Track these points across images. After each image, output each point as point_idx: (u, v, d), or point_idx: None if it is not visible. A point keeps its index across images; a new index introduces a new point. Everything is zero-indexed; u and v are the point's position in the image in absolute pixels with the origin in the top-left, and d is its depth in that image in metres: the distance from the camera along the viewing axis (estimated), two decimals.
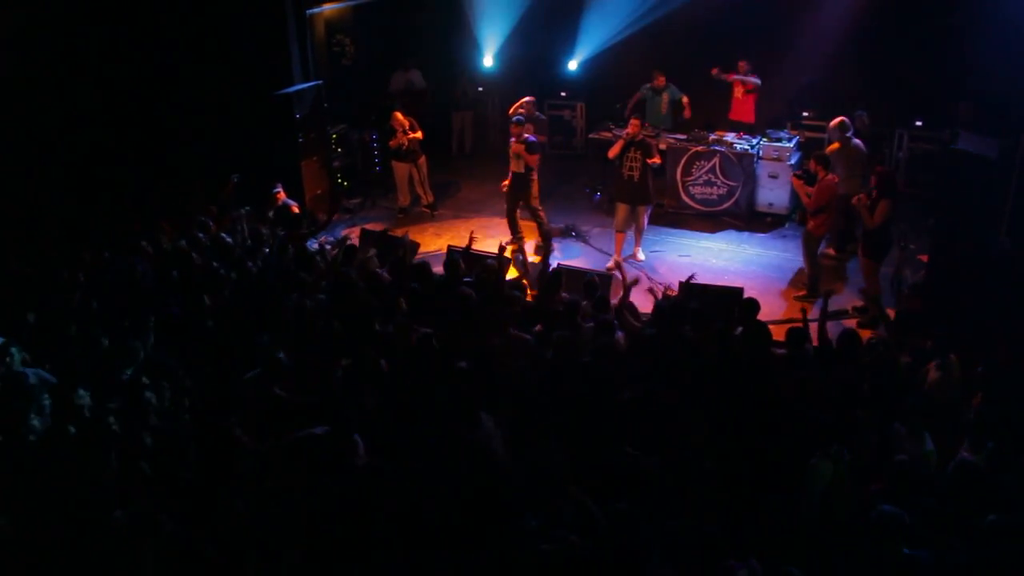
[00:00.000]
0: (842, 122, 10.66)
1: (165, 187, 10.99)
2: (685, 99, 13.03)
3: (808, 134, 12.67)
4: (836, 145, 10.58)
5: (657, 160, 10.72)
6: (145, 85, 11.60)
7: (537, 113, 12.89)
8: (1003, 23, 10.17)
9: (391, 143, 12.40)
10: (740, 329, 7.15)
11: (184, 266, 8.26)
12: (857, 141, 10.75)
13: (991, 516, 4.77)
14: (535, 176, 11.20)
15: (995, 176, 8.19)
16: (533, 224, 11.48)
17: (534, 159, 11.05)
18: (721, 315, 7.60)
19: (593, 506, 4.96)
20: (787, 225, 12.05)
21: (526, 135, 11.08)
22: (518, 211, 11.38)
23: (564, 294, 7.95)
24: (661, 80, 13.07)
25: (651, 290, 8.15)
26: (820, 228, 9.96)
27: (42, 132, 10.73)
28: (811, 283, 10.06)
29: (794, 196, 11.70)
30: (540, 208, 11.34)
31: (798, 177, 10.43)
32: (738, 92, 13.05)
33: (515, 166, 11.13)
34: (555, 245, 11.30)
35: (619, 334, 7.19)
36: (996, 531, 4.72)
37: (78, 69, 11.10)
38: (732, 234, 11.95)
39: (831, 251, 11.15)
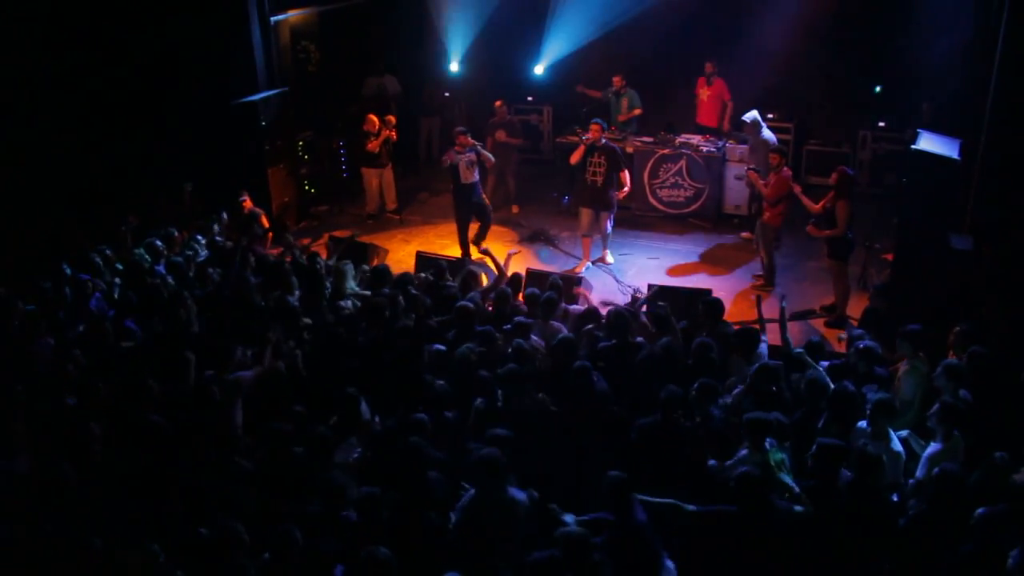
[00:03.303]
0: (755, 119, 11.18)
1: (128, 197, 10.87)
2: (637, 111, 13.09)
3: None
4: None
5: (625, 184, 10.85)
6: (108, 93, 11.46)
7: (509, 116, 12.90)
8: (963, 25, 10.32)
9: (368, 146, 12.33)
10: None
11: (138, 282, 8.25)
12: (768, 134, 11.11)
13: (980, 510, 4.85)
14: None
15: (956, 175, 8.30)
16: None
17: (490, 159, 11.17)
18: (687, 316, 7.67)
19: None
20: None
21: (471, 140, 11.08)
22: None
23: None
24: (618, 82, 13.14)
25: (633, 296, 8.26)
26: (777, 219, 10.12)
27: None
28: (768, 271, 10.35)
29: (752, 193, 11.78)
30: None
31: (753, 171, 10.59)
32: (703, 95, 13.14)
33: (468, 176, 10.99)
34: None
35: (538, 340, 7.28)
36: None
37: (40, 77, 10.94)
38: (700, 236, 12.02)
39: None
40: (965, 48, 10.17)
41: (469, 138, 10.99)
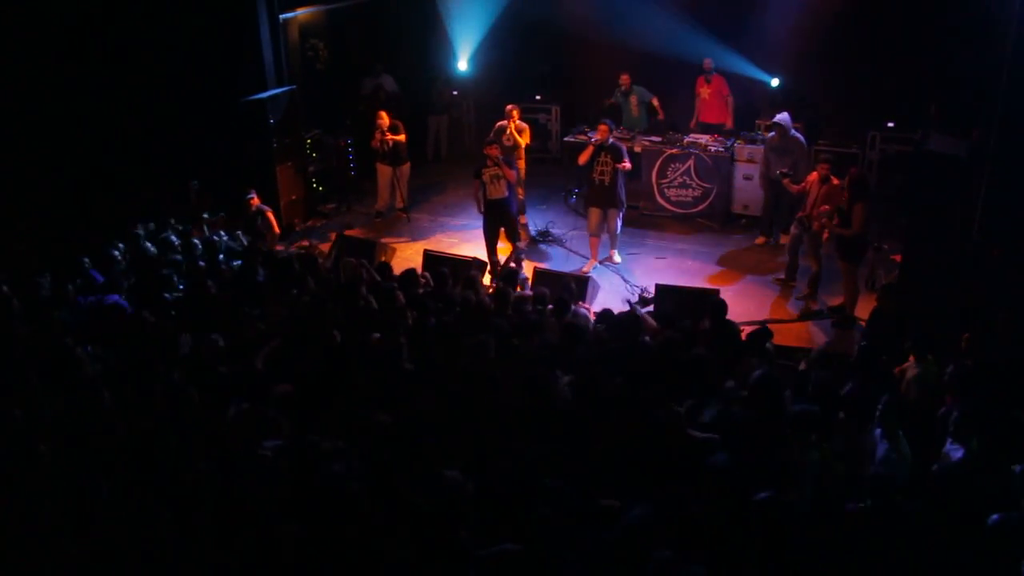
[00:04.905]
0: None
1: (136, 194, 10.91)
2: (655, 100, 13.09)
3: None
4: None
5: (627, 165, 10.65)
6: (117, 91, 11.49)
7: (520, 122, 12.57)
8: (972, 25, 10.28)
9: (372, 142, 12.32)
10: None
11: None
12: (797, 134, 11.00)
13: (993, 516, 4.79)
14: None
15: (965, 176, 8.28)
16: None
17: (512, 174, 10.63)
18: (693, 317, 7.65)
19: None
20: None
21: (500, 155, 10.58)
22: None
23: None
24: (626, 80, 13.12)
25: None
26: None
27: (9, 138, 10.62)
28: (814, 281, 9.99)
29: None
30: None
31: (787, 176, 10.48)
32: (704, 94, 13.13)
33: (494, 192, 10.44)
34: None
35: None
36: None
37: (48, 74, 10.98)
38: (708, 236, 11.99)
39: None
40: (975, 48, 10.12)
41: (496, 150, 10.49)
